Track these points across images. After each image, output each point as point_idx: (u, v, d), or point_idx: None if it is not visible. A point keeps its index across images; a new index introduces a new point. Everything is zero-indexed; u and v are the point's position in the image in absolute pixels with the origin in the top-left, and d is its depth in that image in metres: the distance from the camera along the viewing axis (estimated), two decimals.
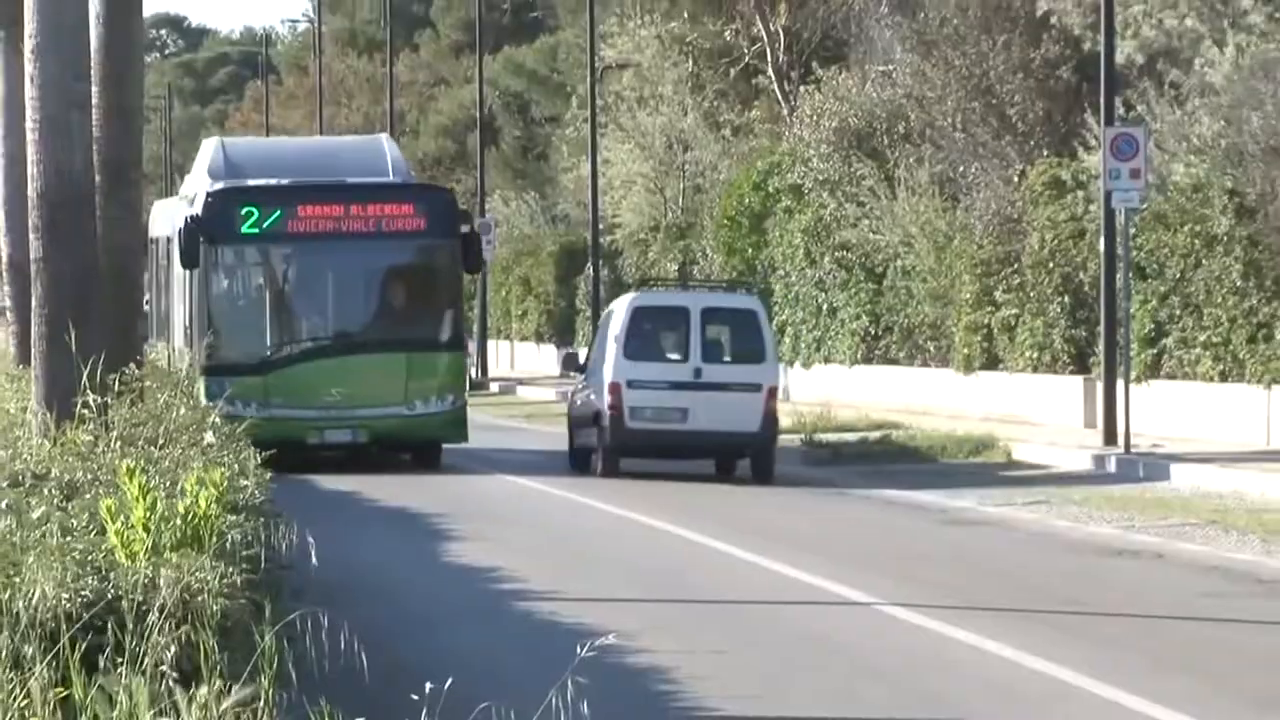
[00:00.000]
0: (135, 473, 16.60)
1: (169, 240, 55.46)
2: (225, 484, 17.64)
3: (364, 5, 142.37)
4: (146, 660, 11.61)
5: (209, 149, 54.69)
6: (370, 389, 47.94)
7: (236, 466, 20.32)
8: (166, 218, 57.61)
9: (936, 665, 23.71)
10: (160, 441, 20.73)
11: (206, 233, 46.16)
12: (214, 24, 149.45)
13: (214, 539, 15.89)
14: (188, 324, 49.97)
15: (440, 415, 48.67)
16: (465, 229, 48.33)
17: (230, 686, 10.90)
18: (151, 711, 10.76)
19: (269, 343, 48.66)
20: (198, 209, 47.67)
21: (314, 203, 47.34)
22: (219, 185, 48.59)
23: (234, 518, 17.20)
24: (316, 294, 49.68)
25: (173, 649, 11.89)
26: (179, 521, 15.94)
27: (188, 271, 50.45)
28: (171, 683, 11.18)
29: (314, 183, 49.16)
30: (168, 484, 16.80)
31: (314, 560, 17.84)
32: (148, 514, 15.80)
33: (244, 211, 45.87)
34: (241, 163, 49.48)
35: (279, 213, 46.27)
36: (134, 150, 32.09)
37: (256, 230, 46.90)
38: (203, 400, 40.39)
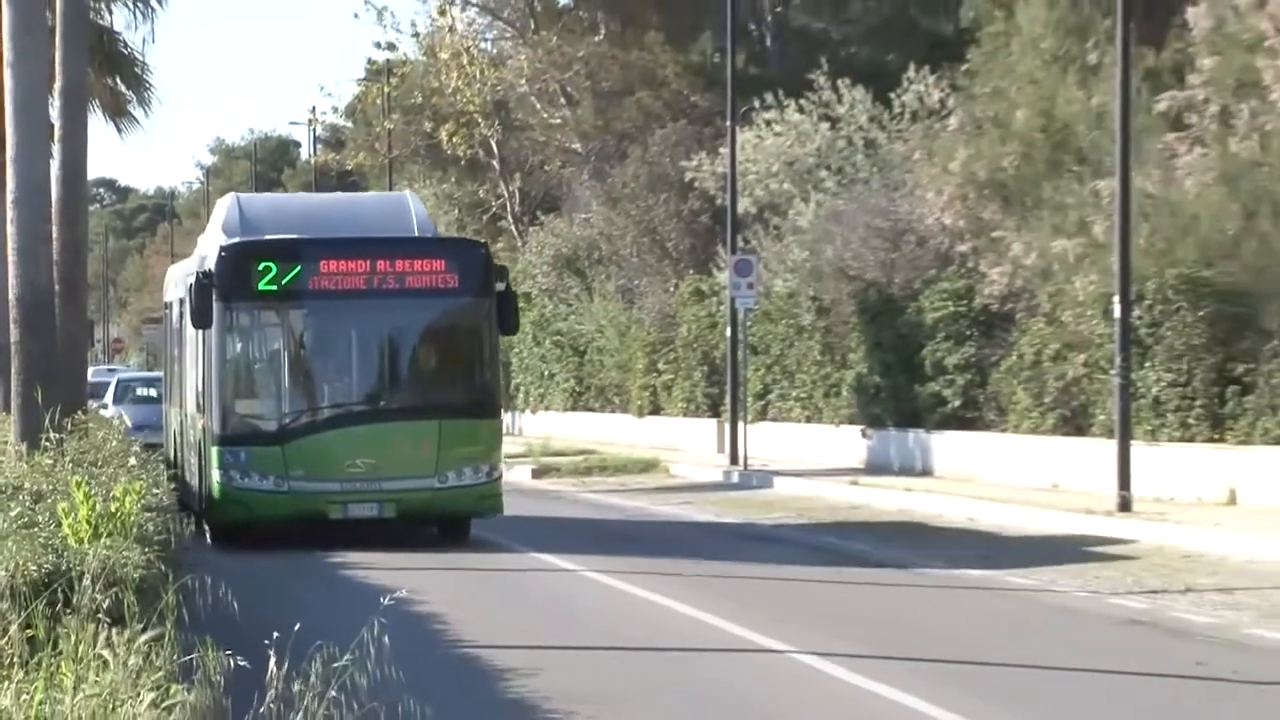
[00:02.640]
0: (81, 484, 16.47)
1: (181, 302, 37.38)
2: (144, 492, 17.51)
3: (238, 171, 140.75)
4: (87, 610, 11.37)
5: (224, 206, 36.56)
6: (398, 460, 31.16)
7: (151, 480, 19.80)
8: (178, 281, 39.06)
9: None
10: (99, 463, 20.42)
11: (220, 290, 31.17)
12: (136, 183, 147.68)
13: (135, 529, 15.70)
14: (200, 389, 33.76)
15: (475, 488, 31.35)
16: (501, 286, 32.18)
17: (144, 628, 10.67)
18: (93, 646, 10.52)
19: (288, 409, 31.90)
20: (210, 265, 32.31)
21: (337, 258, 31.60)
22: (234, 240, 32.94)
23: (150, 514, 17.01)
24: (339, 357, 32.93)
25: (106, 603, 11.66)
26: (111, 517, 15.78)
27: (200, 333, 33.30)
28: (106, 625, 10.94)
29: (337, 237, 33.12)
30: (104, 492, 16.56)
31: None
32: (90, 512, 15.64)
33: (261, 267, 31.07)
34: (258, 219, 33.87)
35: (299, 269, 31.17)
36: (81, 271, 32.77)
37: (274, 288, 31.41)
38: (215, 473, 30.45)
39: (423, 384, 32.09)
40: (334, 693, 8.35)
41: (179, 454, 36.60)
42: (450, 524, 32.01)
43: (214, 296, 30.22)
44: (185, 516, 27.38)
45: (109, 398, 58.25)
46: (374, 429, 30.70)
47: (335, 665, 8.56)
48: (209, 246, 32.51)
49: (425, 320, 32.06)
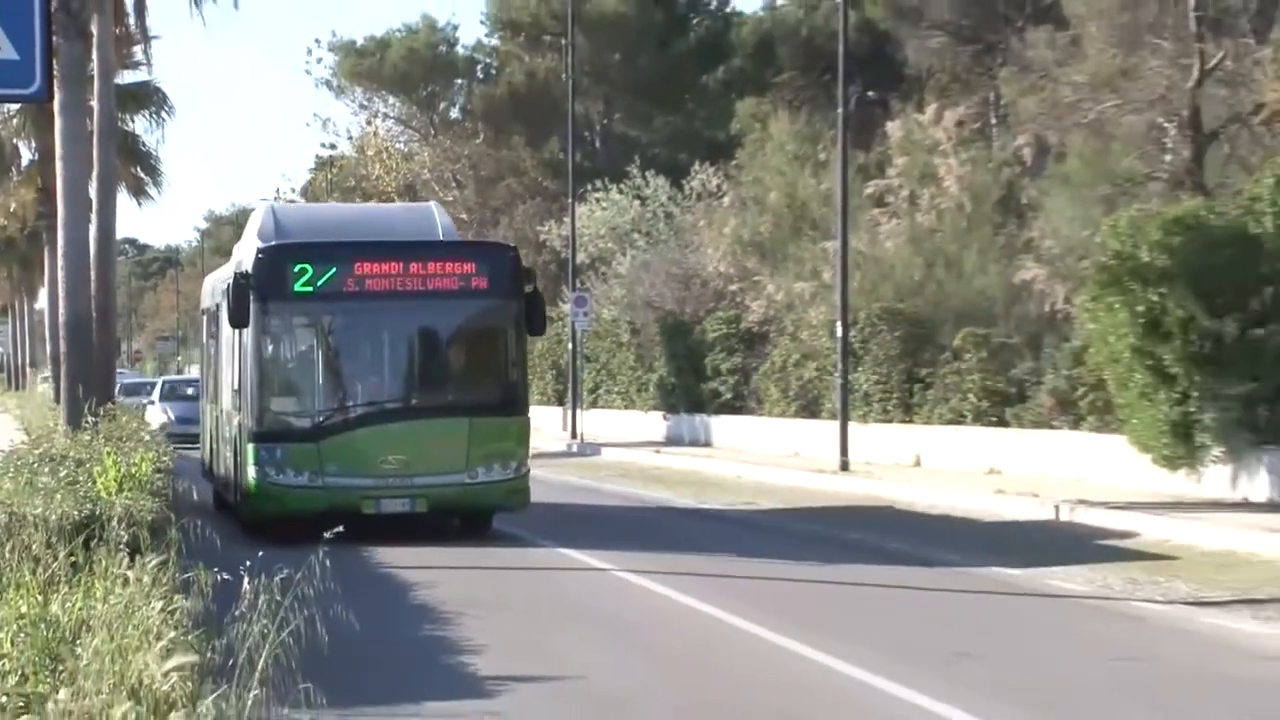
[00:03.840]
0: (110, 454, 16.30)
1: (217, 307, 28.78)
2: (155, 459, 17.39)
3: (224, 233, 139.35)
4: (113, 543, 11.24)
5: (259, 215, 28.76)
6: (430, 456, 23.56)
7: (160, 451, 19.64)
8: (214, 288, 30.94)
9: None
10: (123, 439, 20.16)
11: (257, 291, 23.88)
12: (151, 241, 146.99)
13: (148, 485, 15.59)
14: (236, 388, 25.56)
15: (503, 484, 23.71)
16: (529, 288, 24.70)
17: (154, 556, 10.55)
18: (118, 568, 10.42)
19: (322, 407, 24.05)
20: (249, 266, 24.72)
21: (371, 260, 24.19)
22: (271, 243, 25.02)
23: (159, 475, 16.84)
24: (372, 356, 24.95)
25: (126, 538, 11.52)
26: (131, 477, 15.66)
27: (237, 332, 25.18)
28: (127, 554, 10.82)
29: (371, 240, 25.31)
30: (126, 460, 16.41)
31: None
32: (116, 474, 15.49)
33: (297, 269, 23.94)
34: (292, 226, 26.50)
35: (334, 270, 23.95)
36: (111, 303, 32.04)
37: (310, 289, 24.01)
38: (251, 469, 22.93)
39: (453, 383, 23.91)
40: (288, 600, 8.25)
41: (215, 449, 28.21)
42: (475, 517, 23.76)
43: (251, 297, 22.88)
44: (218, 510, 25.08)
45: (156, 395, 50.88)
46: (406, 426, 22.91)
47: (290, 580, 8.48)
48: (245, 251, 25.21)
49: (455, 321, 24.01)
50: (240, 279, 22.97)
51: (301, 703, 8.23)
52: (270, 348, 23.01)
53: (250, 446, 22.61)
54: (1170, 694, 12.62)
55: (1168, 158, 32.59)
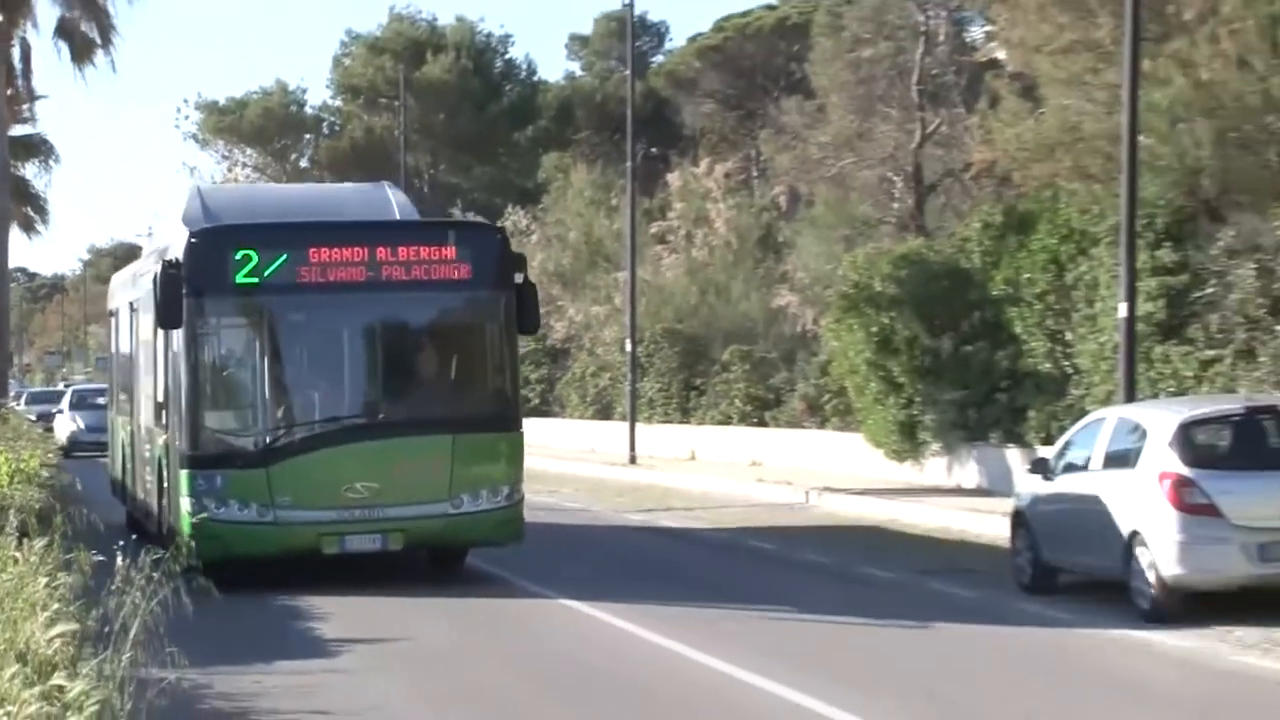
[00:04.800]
0: (3, 452, 15.92)
1: (132, 306, 20.89)
2: (40, 455, 17.07)
3: (104, 264, 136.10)
4: (6, 529, 10.98)
5: (184, 199, 18.70)
6: (406, 482, 15.83)
7: (45, 450, 19.52)
8: (126, 284, 22.40)
9: None
10: (14, 439, 19.65)
11: (191, 283, 15.70)
12: (41, 269, 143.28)
13: (36, 478, 15.31)
14: (161, 400, 17.32)
15: (493, 514, 16.07)
16: (519, 278, 16.45)
17: (41, 539, 10.34)
18: (10, 550, 10.18)
19: (273, 424, 15.92)
20: (179, 253, 16.17)
21: (328, 244, 15.91)
22: (206, 226, 16.69)
23: (45, 470, 16.54)
24: (333, 361, 16.52)
25: (17, 524, 11.26)
26: (21, 471, 15.33)
27: (163, 335, 17.05)
28: (18, 538, 10.58)
29: (329, 221, 17.03)
30: (16, 456, 16.03)
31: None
32: (8, 468, 15.17)
33: (238, 256, 15.71)
34: (224, 210, 17.55)
35: (283, 257, 15.81)
36: (5, 322, 31.22)
37: (255, 280, 15.79)
38: (185, 501, 15.81)
39: (432, 393, 16.58)
40: (156, 575, 8.14)
41: (128, 468, 21.02)
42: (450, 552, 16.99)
43: (184, 291, 15.67)
44: (135, 535, 16.90)
45: (65, 405, 45.04)
46: (375, 446, 15.85)
47: (157, 558, 8.35)
48: (172, 236, 17.34)
49: (433, 318, 16.83)
50: (169, 270, 15.72)
51: (168, 663, 8.12)
52: (207, 352, 16.00)
53: (183, 474, 15.66)
54: (893, 645, 12.92)
55: (895, 205, 33.25)
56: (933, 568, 16.90)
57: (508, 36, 64.85)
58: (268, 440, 15.77)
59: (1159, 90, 20.23)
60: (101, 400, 37.39)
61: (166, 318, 15.88)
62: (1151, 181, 20.12)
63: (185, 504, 15.53)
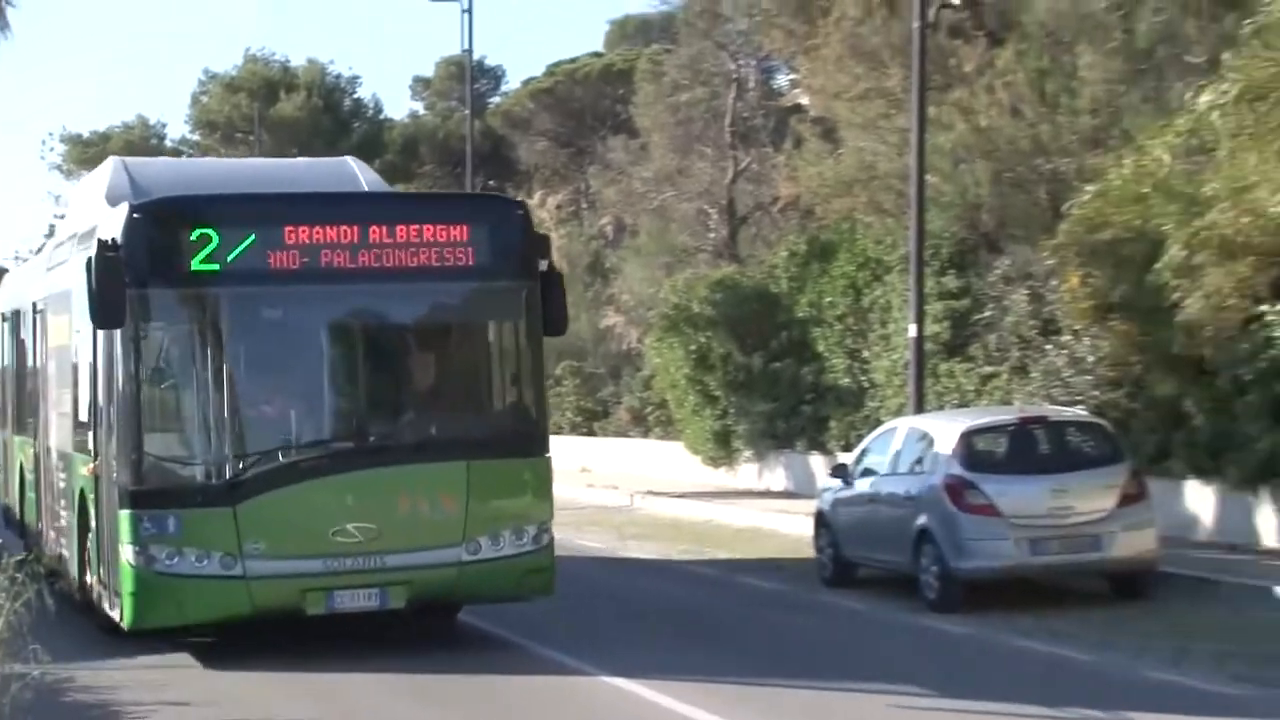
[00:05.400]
0: None
1: (35, 308, 14.85)
2: None
3: None
4: None
5: (104, 173, 13.13)
6: (410, 522, 10.44)
7: None
8: (23, 283, 16.47)
9: None
10: None
11: (135, 270, 9.92)
12: None
13: None
14: (86, 418, 11.51)
15: (518, 561, 10.66)
16: (544, 265, 10.72)
17: None
18: None
19: (240, 450, 10.33)
20: (117, 232, 10.22)
21: (309, 222, 10.18)
22: (150, 200, 10.79)
23: None
24: (317, 370, 10.62)
25: None
26: None
27: (93, 338, 11.12)
28: None
29: (309, 193, 11.39)
30: None
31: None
32: None
33: (195, 236, 9.95)
34: (158, 189, 11.51)
35: (253, 237, 10.12)
36: None
37: (216, 266, 10.06)
38: (125, 550, 10.83)
39: (440, 409, 12.03)
40: (19, 576, 7.94)
41: (29, 502, 15.77)
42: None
43: (126, 280, 10.88)
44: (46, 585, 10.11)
45: None
46: (371, 477, 11.32)
47: (20, 560, 8.14)
48: (98, 216, 12.45)
49: (441, 314, 12.20)
50: (106, 254, 10.91)
51: (31, 660, 7.90)
52: (155, 358, 11.22)
53: (124, 515, 10.98)
54: (716, 627, 12.99)
55: (711, 235, 33.55)
56: (746, 564, 17.03)
57: (356, 77, 64.17)
58: (234, 470, 10.96)
59: (943, 134, 20.69)
60: None
61: (103, 315, 10.78)
62: (937, 216, 20.56)
63: (126, 554, 10.76)
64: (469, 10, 32.09)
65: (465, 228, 11.57)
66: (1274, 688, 10.06)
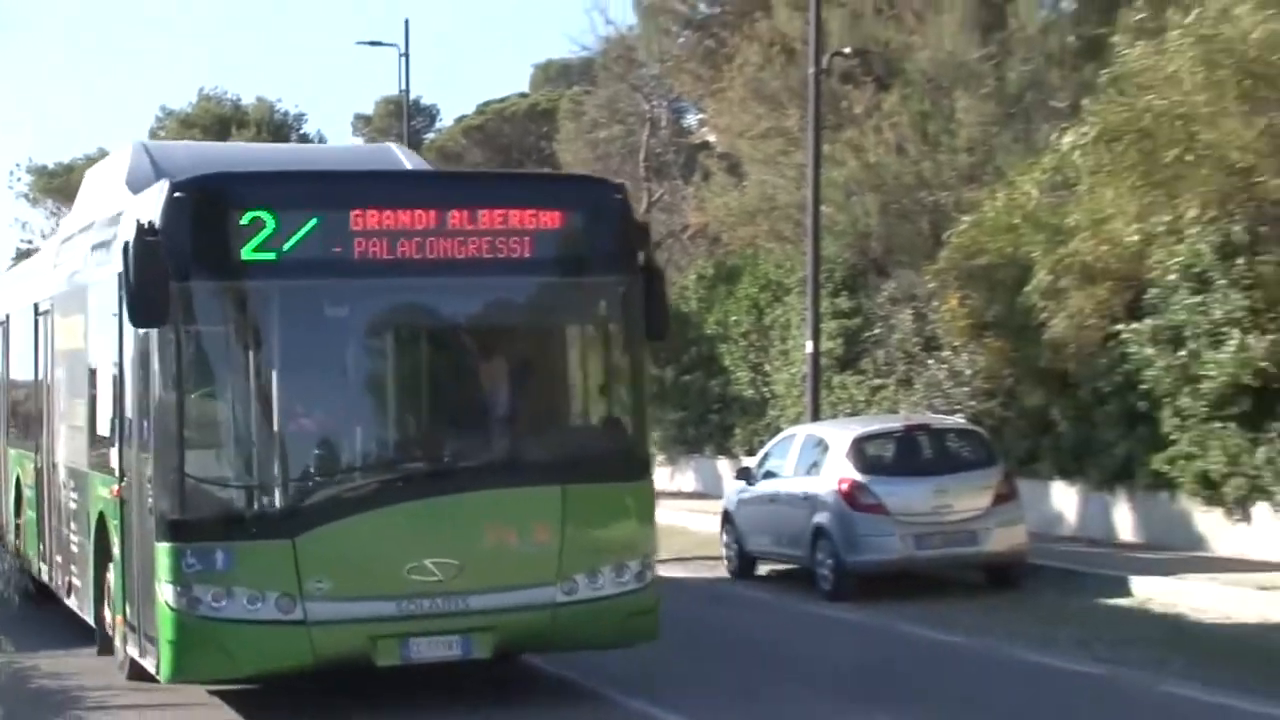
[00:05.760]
0: None
1: (36, 309, 11.78)
2: None
3: None
4: None
5: (122, 159, 9.87)
6: (497, 557, 7.42)
7: None
8: (23, 283, 12.94)
9: None
10: None
11: (177, 259, 6.88)
12: None
13: None
14: (108, 432, 8.63)
15: (619, 601, 7.76)
16: (642, 257, 7.69)
17: None
18: None
19: (300, 472, 7.34)
20: (157, 215, 7.17)
21: (381, 204, 7.07)
22: (194, 176, 7.40)
23: None
24: (388, 379, 7.69)
25: None
26: None
27: (121, 340, 8.20)
28: None
29: (382, 170, 8.77)
30: None
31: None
32: None
33: (248, 220, 6.89)
34: (184, 174, 7.68)
35: (315, 222, 7.04)
36: None
37: (272, 255, 7.03)
38: (165, 590, 7.81)
39: (531, 424, 8.91)
40: None
41: (28, 522, 13.18)
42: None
43: (169, 270, 7.76)
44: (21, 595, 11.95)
45: None
46: (453, 504, 8.17)
47: None
48: (121, 203, 9.67)
49: (532, 314, 8.98)
50: (145, 238, 8.27)
51: None
52: (200, 365, 8.53)
53: (163, 548, 8.37)
54: None
55: None
56: (658, 558, 17.01)
57: (302, 114, 63.66)
58: (293, 496, 8.29)
59: (836, 169, 20.84)
60: None
61: (142, 310, 8.12)
62: (831, 243, 20.70)
63: (166, 594, 8.15)
64: (405, 54, 32.01)
65: (559, 213, 8.71)
66: (1131, 667, 10.17)
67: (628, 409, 8.99)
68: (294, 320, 8.46)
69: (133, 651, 8.82)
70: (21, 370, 13.53)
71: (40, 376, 12.44)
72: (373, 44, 32.05)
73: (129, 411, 9.01)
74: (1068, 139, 15.88)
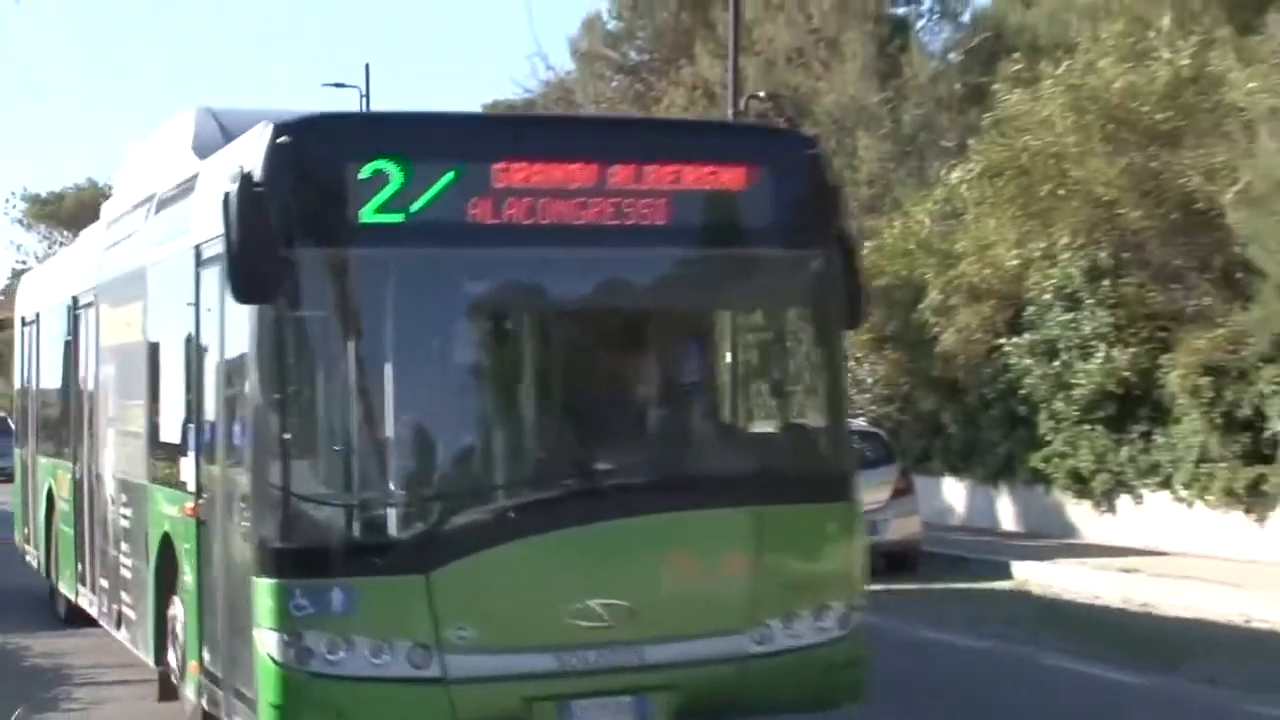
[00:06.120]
0: None
1: (78, 304, 8.61)
2: None
3: None
4: None
5: (185, 124, 6.44)
6: (677, 598, 4.24)
7: None
8: (53, 279, 9.96)
9: None
10: None
11: (283, 218, 3.70)
12: None
13: None
14: (180, 439, 5.54)
15: (820, 652, 4.46)
16: (838, 225, 4.23)
17: None
18: None
19: (437, 492, 4.15)
20: (257, 166, 3.97)
21: (530, 156, 3.85)
22: (304, 117, 4.07)
23: None
24: (543, 375, 4.36)
25: None
26: None
27: (196, 329, 5.13)
28: None
29: (538, 115, 9.50)
30: None
31: None
32: None
33: (368, 173, 3.70)
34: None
35: (451, 176, 3.80)
36: None
37: (398, 217, 3.79)
38: (267, 639, 4.76)
39: (716, 432, 5.75)
40: None
41: (62, 538, 10.14)
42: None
43: (275, 230, 4.64)
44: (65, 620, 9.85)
45: None
46: (623, 531, 5.03)
47: None
48: (184, 166, 6.77)
49: (715, 298, 5.62)
50: (252, 189, 5.17)
51: None
52: (311, 355, 5.38)
53: (266, 586, 5.25)
54: None
55: None
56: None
57: None
58: (428, 520, 5.59)
59: None
60: None
61: (247, 282, 5.36)
62: None
63: (268, 643, 5.48)
64: (366, 95, 31.99)
65: (749, 170, 5.93)
66: (1013, 642, 10.26)
67: (826, 412, 6.16)
68: (424, 300, 5.66)
69: (214, 709, 6.10)
70: (55, 372, 10.68)
71: (79, 377, 9.62)
72: (337, 85, 31.93)
73: (210, 413, 6.16)
74: (955, 174, 16.25)
